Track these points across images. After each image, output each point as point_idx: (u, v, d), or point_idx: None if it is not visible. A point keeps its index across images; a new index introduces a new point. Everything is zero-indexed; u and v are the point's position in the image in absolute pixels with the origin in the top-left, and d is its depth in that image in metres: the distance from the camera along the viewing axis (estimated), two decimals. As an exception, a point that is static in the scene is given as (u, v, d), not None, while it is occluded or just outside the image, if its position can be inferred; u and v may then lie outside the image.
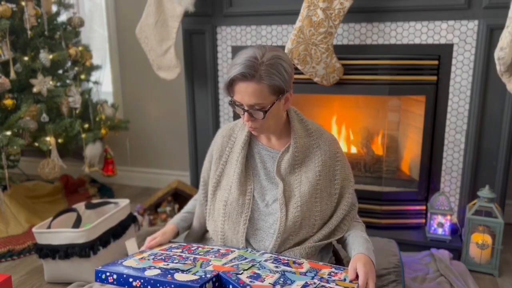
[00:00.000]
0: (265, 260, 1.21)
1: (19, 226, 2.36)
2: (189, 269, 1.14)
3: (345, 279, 1.13)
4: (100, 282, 1.16)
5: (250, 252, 1.28)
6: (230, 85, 1.23)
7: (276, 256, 1.25)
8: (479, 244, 1.91)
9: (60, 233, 1.80)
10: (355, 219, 1.40)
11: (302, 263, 1.21)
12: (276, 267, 1.17)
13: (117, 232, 1.96)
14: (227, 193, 1.36)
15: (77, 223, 1.86)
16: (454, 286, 1.72)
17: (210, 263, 1.19)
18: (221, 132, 1.45)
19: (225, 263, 1.19)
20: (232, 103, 1.25)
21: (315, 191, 1.31)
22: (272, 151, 1.35)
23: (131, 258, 1.25)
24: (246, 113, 1.24)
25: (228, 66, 1.27)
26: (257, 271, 1.14)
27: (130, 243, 1.43)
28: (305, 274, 1.15)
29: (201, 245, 1.39)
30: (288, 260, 1.23)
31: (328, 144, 1.35)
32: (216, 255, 1.26)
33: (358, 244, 1.27)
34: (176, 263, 1.19)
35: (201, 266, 1.16)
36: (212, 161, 1.44)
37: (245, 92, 1.20)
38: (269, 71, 1.18)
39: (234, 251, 1.30)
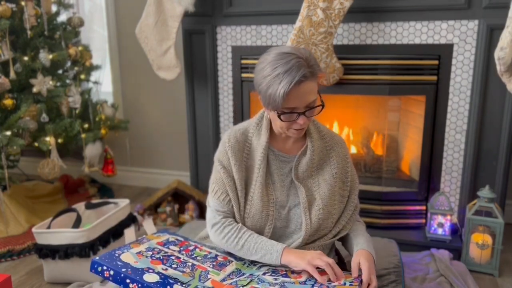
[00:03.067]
0: (264, 274, 1.21)
1: (19, 226, 2.36)
2: (188, 282, 1.13)
3: (345, 283, 1.13)
4: (95, 273, 1.15)
5: (247, 266, 1.28)
6: (286, 97, 1.12)
7: (274, 268, 1.25)
8: (479, 244, 1.91)
9: (60, 233, 1.79)
10: (357, 219, 1.42)
11: (300, 272, 1.20)
12: (275, 279, 1.16)
13: (117, 232, 1.96)
14: (249, 205, 1.30)
15: (77, 223, 1.86)
16: (454, 286, 1.72)
17: (209, 276, 1.18)
18: (234, 135, 1.33)
19: (224, 279, 1.18)
20: (284, 114, 1.17)
21: (333, 193, 1.31)
22: (288, 157, 1.33)
23: (129, 251, 1.24)
24: (301, 116, 1.18)
25: (263, 81, 1.15)
26: (256, 286, 1.13)
27: (129, 232, 1.44)
28: (304, 282, 1.14)
29: (199, 244, 1.38)
30: (286, 270, 1.22)
31: (340, 146, 1.36)
32: (214, 264, 1.26)
33: (361, 240, 1.29)
34: (175, 268, 1.18)
35: (199, 279, 1.15)
36: (233, 169, 1.30)
37: (303, 94, 1.14)
38: (314, 64, 1.16)
39: (232, 261, 1.29)
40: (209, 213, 1.36)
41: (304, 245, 1.29)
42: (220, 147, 1.35)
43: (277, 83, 1.12)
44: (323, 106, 1.21)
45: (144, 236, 1.39)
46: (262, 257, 1.24)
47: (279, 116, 1.19)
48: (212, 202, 1.34)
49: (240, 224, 1.30)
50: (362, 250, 1.24)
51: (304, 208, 1.28)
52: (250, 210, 1.29)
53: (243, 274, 1.23)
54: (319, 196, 1.30)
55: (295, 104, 1.16)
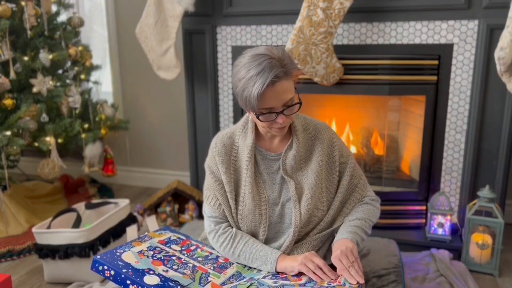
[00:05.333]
0: (264, 277, 1.21)
1: (19, 226, 2.36)
2: (188, 284, 1.13)
3: (344, 284, 1.13)
4: (95, 271, 1.15)
5: (248, 269, 1.28)
6: (260, 98, 1.14)
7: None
8: (479, 244, 1.91)
9: (60, 233, 1.80)
10: (361, 201, 1.38)
11: (300, 275, 1.20)
12: (275, 282, 1.16)
13: (117, 232, 1.96)
14: (241, 206, 1.32)
15: (77, 223, 1.86)
16: (454, 286, 1.72)
17: (209, 278, 1.18)
18: (221, 140, 1.36)
19: (224, 282, 1.18)
20: (262, 114, 1.18)
21: (320, 181, 1.31)
22: (275, 156, 1.34)
23: (130, 250, 1.23)
24: (280, 115, 1.19)
25: (238, 84, 1.17)
26: None
27: (131, 230, 1.45)
28: (304, 285, 1.14)
29: (200, 244, 1.38)
30: (286, 274, 1.22)
31: (323, 132, 1.36)
32: (215, 265, 1.26)
33: (339, 233, 1.27)
34: (176, 269, 1.18)
35: (200, 282, 1.15)
36: (221, 172, 1.33)
37: (279, 93, 1.15)
38: (288, 63, 1.17)
39: (233, 263, 1.30)
40: (205, 221, 1.39)
41: (297, 237, 1.30)
42: (209, 153, 1.38)
43: (251, 85, 1.13)
44: (300, 103, 1.22)
45: (146, 233, 1.39)
46: (258, 266, 1.27)
47: (258, 117, 1.20)
48: (206, 209, 1.37)
49: (234, 231, 1.32)
50: (336, 242, 1.23)
51: (294, 201, 1.29)
52: (243, 210, 1.30)
53: (243, 277, 1.23)
54: (307, 186, 1.30)
55: (271, 104, 1.17)
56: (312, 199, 1.29)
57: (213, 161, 1.35)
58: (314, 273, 1.18)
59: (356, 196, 1.37)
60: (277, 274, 1.23)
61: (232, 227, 1.33)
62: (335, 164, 1.35)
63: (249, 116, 1.36)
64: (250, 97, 1.14)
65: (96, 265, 1.15)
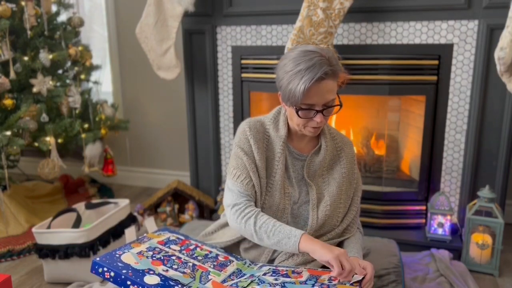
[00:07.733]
0: (264, 274, 1.21)
1: (19, 226, 2.36)
2: (188, 283, 1.13)
3: (345, 283, 1.13)
4: (95, 274, 1.15)
5: (248, 266, 1.29)
6: (306, 92, 1.14)
7: (274, 268, 1.25)
8: (479, 244, 1.91)
9: (60, 233, 1.79)
10: (357, 225, 1.43)
11: (301, 272, 1.21)
12: (276, 279, 1.17)
13: (117, 232, 1.96)
14: (268, 196, 1.31)
15: (77, 223, 1.86)
16: (454, 286, 1.72)
17: (209, 276, 1.18)
18: (254, 125, 1.33)
19: (224, 280, 1.18)
20: (302, 110, 1.19)
21: (340, 191, 1.34)
22: (301, 155, 1.35)
23: (129, 251, 1.23)
24: (319, 114, 1.20)
25: (285, 76, 1.18)
26: (256, 287, 1.13)
27: (129, 232, 1.45)
28: (305, 282, 1.14)
29: (199, 243, 1.38)
30: (286, 270, 1.22)
31: (349, 147, 1.40)
32: (215, 264, 1.26)
33: (357, 249, 1.31)
34: (176, 269, 1.18)
35: (200, 280, 1.15)
36: (256, 157, 1.29)
37: (323, 91, 1.17)
38: (336, 64, 1.18)
39: (233, 261, 1.30)
40: (230, 195, 1.31)
41: None
42: (241, 135, 1.32)
43: (298, 78, 1.14)
44: (341, 106, 1.23)
45: (145, 234, 1.39)
46: (279, 241, 1.20)
47: (297, 112, 1.20)
48: (235, 186, 1.29)
49: (259, 209, 1.27)
50: (357, 258, 1.25)
51: (313, 205, 1.31)
52: (268, 200, 1.30)
53: (244, 274, 1.23)
54: (328, 194, 1.33)
55: (314, 101, 1.18)
56: (331, 206, 1.31)
57: (247, 144, 1.30)
58: (324, 272, 1.18)
59: (357, 215, 1.40)
60: (277, 270, 1.23)
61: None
62: (354, 181, 1.38)
63: (282, 110, 1.36)
64: (295, 90, 1.15)
65: (96, 267, 1.15)
